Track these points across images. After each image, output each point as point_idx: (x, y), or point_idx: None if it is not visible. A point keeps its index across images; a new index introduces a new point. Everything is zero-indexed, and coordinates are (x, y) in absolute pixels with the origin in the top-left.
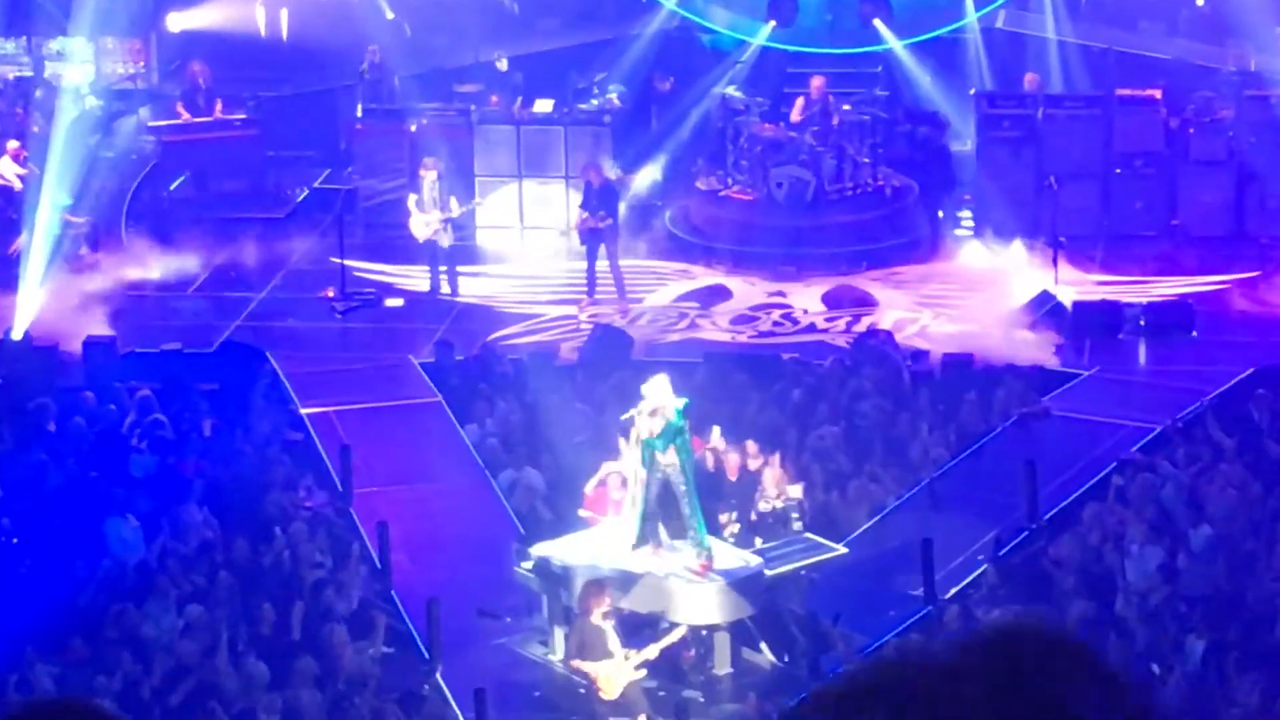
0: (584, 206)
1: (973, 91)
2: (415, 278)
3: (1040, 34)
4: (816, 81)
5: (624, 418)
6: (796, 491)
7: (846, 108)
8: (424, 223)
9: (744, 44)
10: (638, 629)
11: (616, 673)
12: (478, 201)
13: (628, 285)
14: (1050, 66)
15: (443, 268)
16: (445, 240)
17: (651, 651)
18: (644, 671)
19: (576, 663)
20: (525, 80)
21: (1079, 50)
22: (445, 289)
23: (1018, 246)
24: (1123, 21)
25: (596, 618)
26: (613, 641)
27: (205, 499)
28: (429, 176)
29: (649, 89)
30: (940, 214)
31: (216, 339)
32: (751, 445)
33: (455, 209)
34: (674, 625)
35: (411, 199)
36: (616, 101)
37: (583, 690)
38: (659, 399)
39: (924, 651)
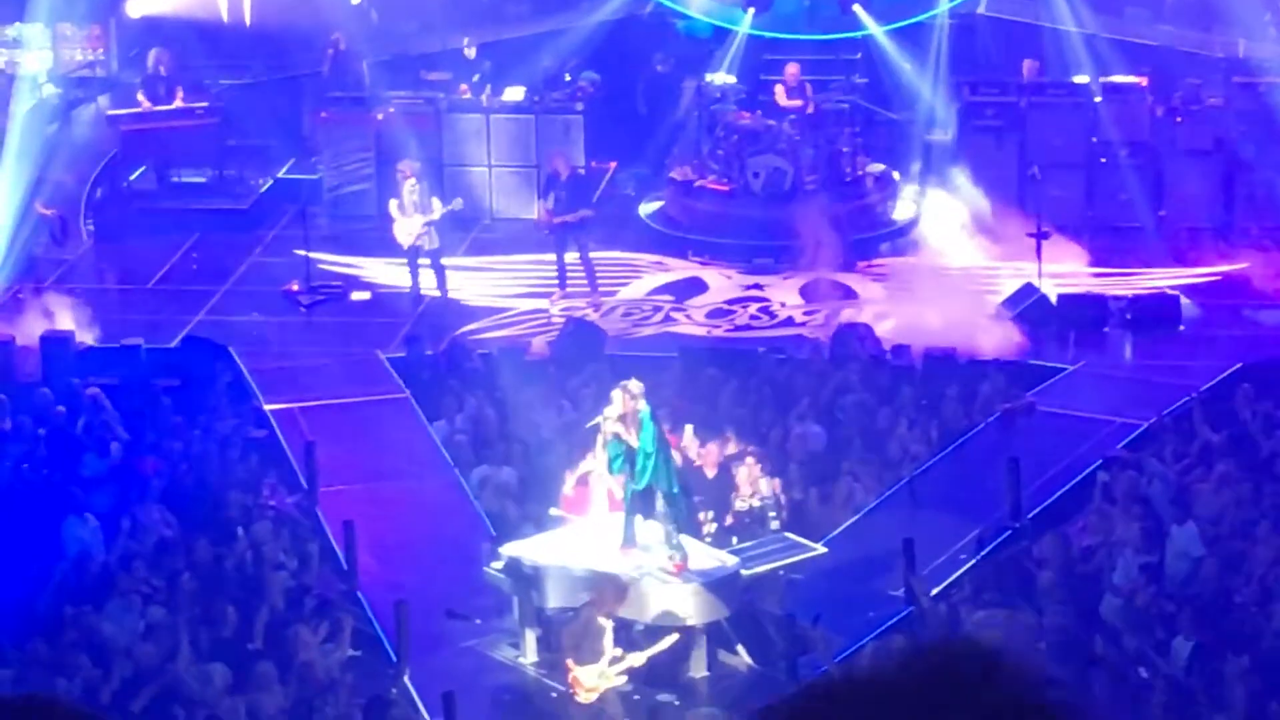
0: (550, 196)
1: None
2: (382, 270)
3: (1027, 20)
4: (791, 69)
5: (589, 425)
6: (774, 489)
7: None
8: (407, 230)
9: (719, 29)
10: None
11: (598, 676)
12: (458, 202)
13: (600, 278)
14: (1041, 51)
15: (425, 260)
16: (430, 244)
17: (638, 659)
18: (624, 679)
19: (569, 660)
20: (494, 67)
21: (1064, 36)
22: (427, 284)
23: (1000, 238)
24: (1108, 6)
25: (602, 617)
26: (607, 644)
27: (166, 498)
28: (408, 180)
29: (634, 76)
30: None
31: (178, 334)
32: (728, 442)
33: (437, 211)
34: (655, 630)
35: (393, 204)
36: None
37: (554, 695)
38: (630, 405)
39: (868, 670)
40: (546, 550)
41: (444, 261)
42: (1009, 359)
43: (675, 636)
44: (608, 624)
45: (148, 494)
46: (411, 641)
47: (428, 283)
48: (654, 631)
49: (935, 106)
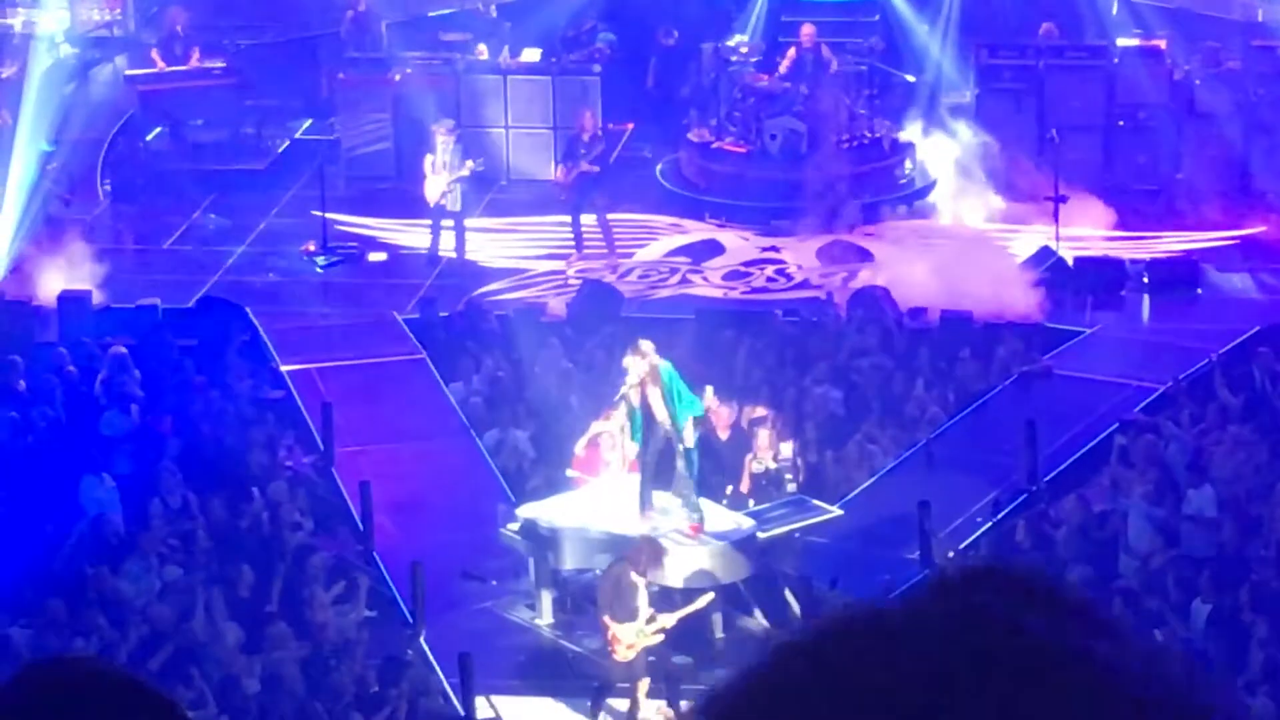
0: (570, 157)
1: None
2: (399, 231)
3: None
4: (807, 30)
5: (618, 397)
6: (790, 452)
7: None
8: (434, 187)
9: None
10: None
11: (635, 634)
12: (479, 163)
13: (617, 239)
14: (1059, 14)
15: (448, 222)
16: (453, 204)
17: (669, 619)
18: (660, 637)
19: (607, 618)
20: (513, 28)
21: None
22: (446, 245)
23: (1017, 201)
24: None
25: (635, 574)
26: (642, 601)
27: (183, 458)
28: (444, 139)
29: (649, 41)
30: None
31: (194, 294)
32: (745, 405)
33: (467, 169)
34: (689, 590)
35: (427, 160)
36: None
37: (570, 655)
38: (644, 366)
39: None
40: (562, 512)
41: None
42: (1026, 322)
43: (710, 596)
44: (640, 581)
45: (165, 454)
46: (427, 602)
47: (446, 244)
48: (688, 591)
49: (946, 69)
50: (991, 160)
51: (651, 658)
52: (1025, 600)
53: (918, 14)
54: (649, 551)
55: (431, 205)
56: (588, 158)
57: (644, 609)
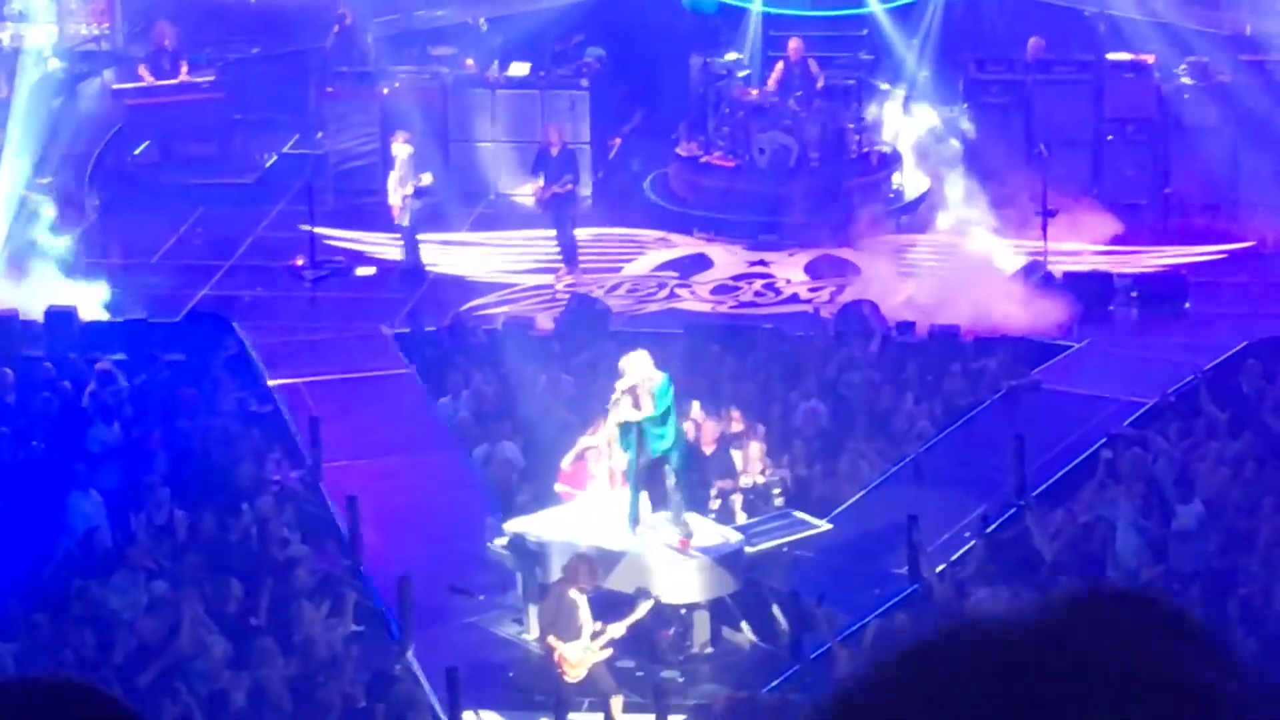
0: (541, 172)
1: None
2: (387, 246)
3: None
4: (794, 44)
5: (611, 402)
6: (778, 466)
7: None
8: (390, 203)
9: (726, 6)
10: (614, 607)
11: (583, 651)
12: (426, 177)
13: (606, 254)
14: (1047, 28)
15: (422, 235)
16: (402, 219)
17: (617, 630)
18: (610, 651)
19: (551, 639)
20: (502, 42)
21: (1071, 13)
22: (429, 258)
23: (1006, 215)
24: None
25: (574, 592)
26: (584, 618)
27: (170, 473)
28: (402, 151)
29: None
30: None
31: (182, 308)
32: (732, 418)
33: (409, 186)
34: (630, 599)
35: (391, 177)
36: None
37: (556, 670)
38: (638, 375)
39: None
40: (550, 526)
41: (449, 236)
42: (1015, 336)
43: (650, 602)
44: (581, 599)
45: (152, 468)
46: (415, 617)
47: (428, 257)
48: (630, 600)
49: (934, 83)
50: (980, 174)
51: (640, 673)
52: (1166, 632)
53: (905, 29)
54: (584, 568)
55: (395, 221)
56: (555, 173)
57: (587, 625)
